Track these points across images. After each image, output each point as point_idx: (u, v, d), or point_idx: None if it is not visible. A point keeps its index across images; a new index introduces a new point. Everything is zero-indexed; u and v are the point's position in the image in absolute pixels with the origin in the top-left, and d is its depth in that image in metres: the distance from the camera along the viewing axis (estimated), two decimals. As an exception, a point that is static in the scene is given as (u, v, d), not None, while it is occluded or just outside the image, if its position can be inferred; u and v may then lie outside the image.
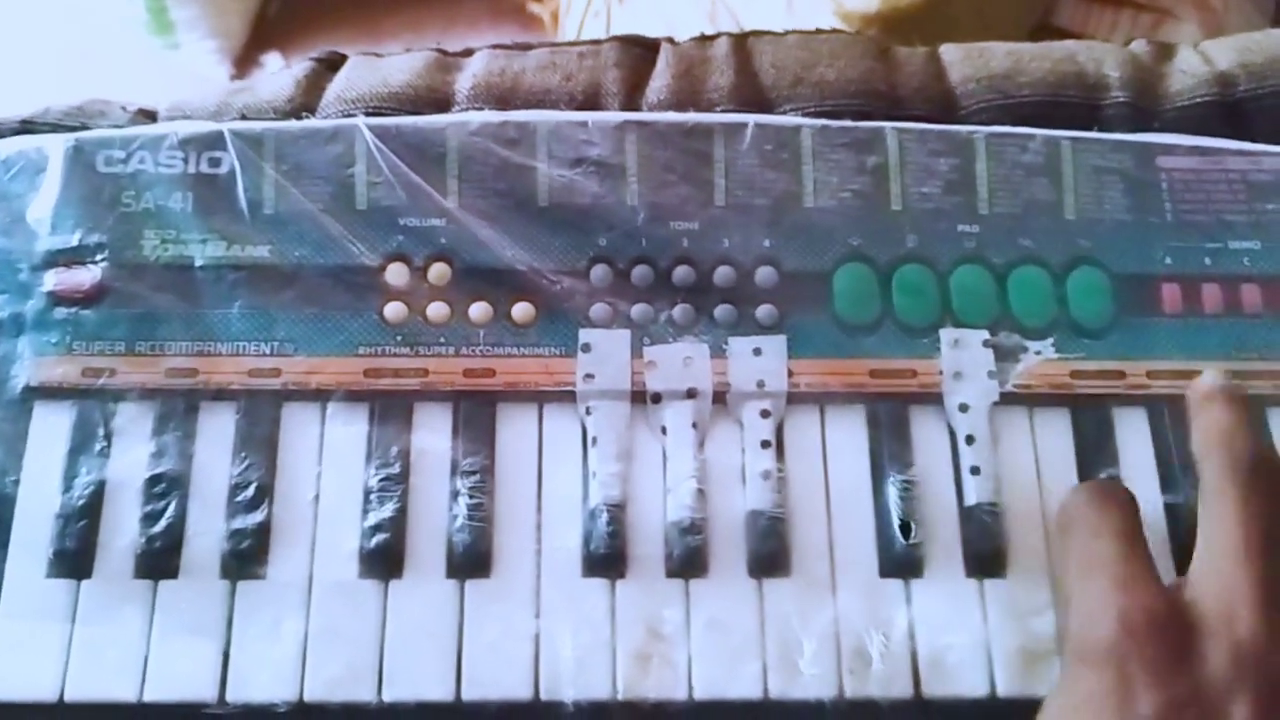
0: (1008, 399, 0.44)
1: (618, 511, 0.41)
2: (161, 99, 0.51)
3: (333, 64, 0.52)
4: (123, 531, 0.41)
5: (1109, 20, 1.03)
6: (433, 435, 0.42)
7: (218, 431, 0.42)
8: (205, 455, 0.42)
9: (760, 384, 0.43)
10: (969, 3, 0.94)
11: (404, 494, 0.41)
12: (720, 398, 0.43)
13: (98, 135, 0.45)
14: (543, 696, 0.39)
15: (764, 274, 0.44)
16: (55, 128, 0.48)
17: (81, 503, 0.41)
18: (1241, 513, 0.36)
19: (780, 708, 0.39)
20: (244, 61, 1.37)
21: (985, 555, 0.42)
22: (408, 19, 1.38)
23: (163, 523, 0.41)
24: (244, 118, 0.48)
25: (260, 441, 0.42)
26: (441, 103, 0.49)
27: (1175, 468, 0.43)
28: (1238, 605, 0.34)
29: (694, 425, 0.43)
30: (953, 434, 0.43)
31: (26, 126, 0.48)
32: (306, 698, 0.39)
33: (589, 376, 0.43)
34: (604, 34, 1.03)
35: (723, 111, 0.48)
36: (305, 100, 0.49)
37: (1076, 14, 1.04)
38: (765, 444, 0.42)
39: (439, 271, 0.44)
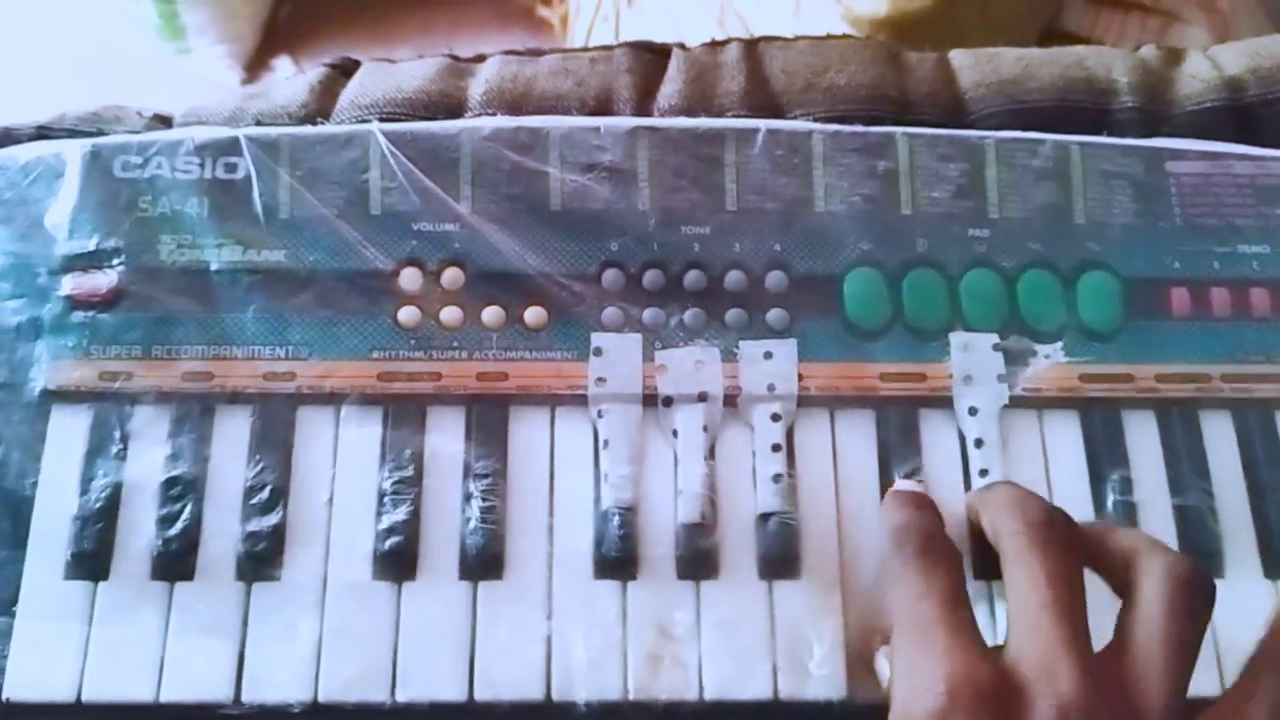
0: (1017, 402, 0.44)
1: (629, 514, 0.42)
2: (173, 103, 0.52)
3: (346, 70, 0.52)
4: (139, 533, 0.41)
5: (1117, 24, 1.03)
6: (446, 438, 0.42)
7: (233, 434, 0.42)
8: (221, 458, 0.42)
9: (771, 387, 0.43)
10: (977, 7, 0.94)
11: (417, 496, 0.42)
12: (731, 401, 0.43)
13: (115, 141, 0.45)
14: (555, 697, 0.40)
15: (775, 278, 0.45)
16: (72, 133, 0.48)
17: (99, 505, 0.41)
18: (1043, 573, 0.36)
19: (790, 708, 0.40)
20: (255, 66, 1.37)
21: (994, 557, 0.42)
22: (416, 23, 1.38)
23: (179, 525, 0.41)
24: (259, 123, 0.48)
25: (275, 444, 0.42)
26: (454, 108, 0.49)
27: (1184, 470, 0.43)
28: (1056, 663, 0.34)
29: (705, 428, 0.43)
30: (962, 437, 0.44)
31: (43, 132, 0.48)
32: (321, 698, 0.39)
33: (601, 380, 0.43)
34: (613, 38, 1.04)
35: (734, 117, 0.49)
36: (319, 106, 0.49)
37: (1084, 18, 1.04)
38: (776, 447, 0.42)
39: (452, 276, 0.44)
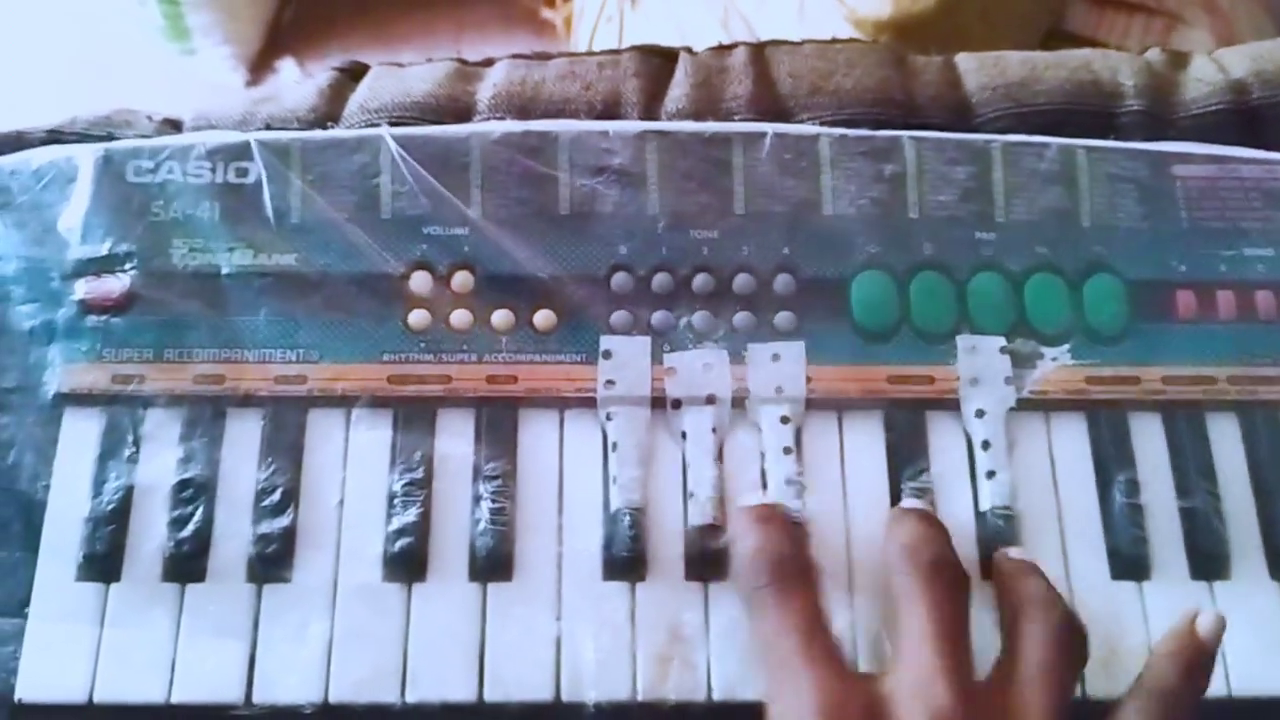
0: (1024, 405, 0.44)
1: (638, 515, 0.42)
2: (178, 104, 0.52)
3: (355, 74, 0.52)
4: (151, 535, 0.41)
5: (1120, 25, 1.03)
6: (456, 441, 0.43)
7: (244, 437, 0.42)
8: (232, 460, 0.42)
9: (779, 390, 0.44)
10: (981, 9, 0.94)
11: (427, 499, 0.42)
12: (739, 403, 0.44)
13: (127, 145, 0.45)
14: (564, 698, 0.40)
15: (782, 281, 0.45)
16: (82, 137, 0.48)
17: (111, 507, 0.41)
18: (927, 608, 0.37)
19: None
20: (259, 67, 1.37)
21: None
22: (420, 24, 1.38)
23: (190, 527, 0.41)
24: (269, 127, 0.48)
25: (286, 447, 0.42)
26: (463, 112, 0.50)
27: (1190, 473, 0.44)
28: (931, 682, 0.35)
29: (713, 430, 0.43)
30: (969, 439, 0.44)
31: (54, 136, 0.48)
32: (332, 699, 0.40)
33: (610, 383, 0.43)
34: (616, 39, 1.04)
35: (741, 120, 0.49)
36: (329, 110, 0.50)
37: (1088, 19, 1.04)
38: (787, 450, 0.43)
39: (462, 279, 0.44)
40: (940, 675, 0.36)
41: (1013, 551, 0.42)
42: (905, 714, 0.35)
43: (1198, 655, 0.39)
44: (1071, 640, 0.38)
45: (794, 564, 0.39)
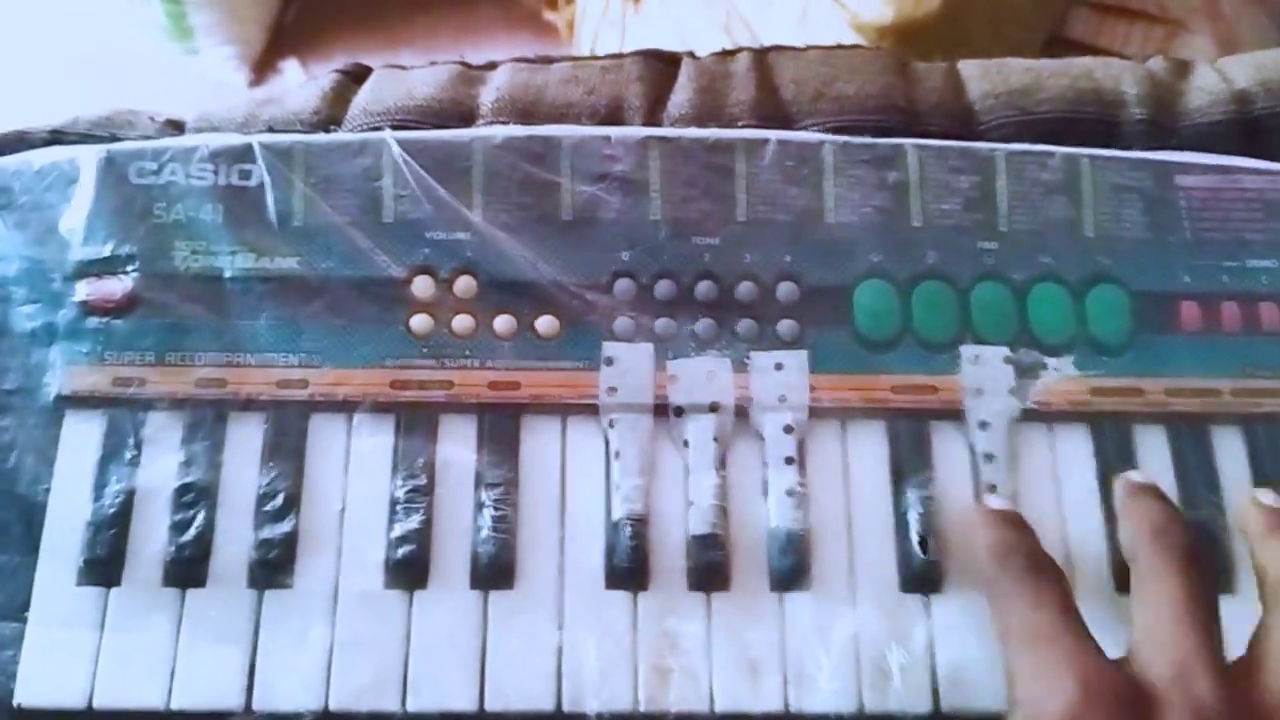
0: (1027, 416, 0.44)
1: (640, 525, 0.42)
2: (180, 104, 0.52)
3: (358, 76, 0.52)
4: (152, 540, 0.41)
5: (1122, 32, 1.03)
6: (458, 447, 0.43)
7: (246, 441, 0.42)
8: (233, 465, 0.42)
9: (782, 399, 0.43)
10: (983, 15, 0.94)
11: (429, 506, 0.42)
12: (742, 412, 0.43)
13: (130, 147, 0.45)
14: (565, 708, 0.40)
15: (785, 289, 0.45)
16: (84, 138, 0.48)
17: (111, 511, 0.41)
18: (1179, 591, 0.37)
19: (800, 721, 0.40)
20: (262, 67, 1.37)
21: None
22: (423, 26, 1.38)
23: (191, 532, 0.41)
24: (271, 129, 0.48)
25: (288, 452, 0.42)
26: (465, 115, 0.49)
27: (1195, 485, 0.43)
28: (1190, 670, 0.34)
29: (715, 439, 0.43)
30: (972, 450, 0.44)
31: (56, 136, 0.48)
32: (332, 706, 0.39)
33: (612, 390, 0.43)
34: (619, 42, 1.04)
35: (744, 126, 0.49)
36: (331, 112, 0.49)
37: (1090, 25, 1.04)
38: (790, 460, 0.43)
39: (464, 284, 0.44)
40: (1197, 659, 0.35)
41: (1263, 496, 0.42)
42: (1165, 699, 0.34)
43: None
44: None
45: (1046, 556, 0.39)
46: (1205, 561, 0.38)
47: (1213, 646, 0.35)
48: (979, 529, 0.41)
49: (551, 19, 1.30)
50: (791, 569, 0.41)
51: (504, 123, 0.48)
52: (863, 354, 0.44)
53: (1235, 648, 0.40)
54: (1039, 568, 0.39)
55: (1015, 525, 0.41)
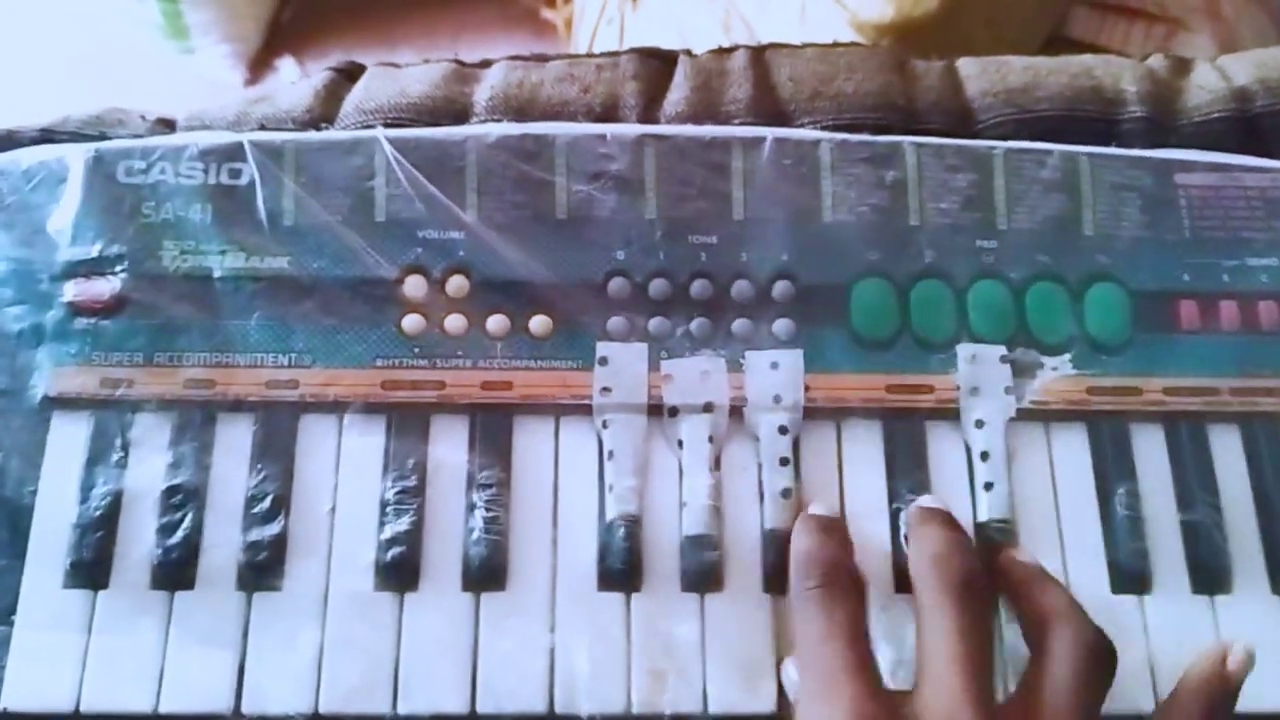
0: (1024, 415, 0.44)
1: (633, 525, 0.41)
2: (176, 103, 0.51)
3: (351, 74, 0.52)
4: (139, 542, 0.41)
5: (1122, 30, 1.02)
6: (449, 448, 0.42)
7: (235, 443, 0.42)
8: (222, 466, 0.42)
9: (777, 398, 0.43)
10: (982, 13, 0.93)
11: (420, 507, 0.41)
12: (737, 412, 0.43)
13: (118, 146, 0.45)
14: (558, 709, 0.39)
15: (781, 288, 0.44)
16: (75, 136, 0.48)
17: (98, 513, 0.41)
18: (955, 628, 0.37)
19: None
20: (258, 65, 1.37)
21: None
22: (420, 24, 1.38)
23: (179, 534, 0.41)
24: (263, 128, 0.48)
25: (277, 453, 0.42)
26: (460, 114, 0.49)
27: (1192, 485, 0.43)
28: (956, 711, 0.35)
29: (710, 439, 0.43)
30: (969, 450, 0.43)
31: (46, 135, 0.48)
32: (322, 709, 0.39)
33: (606, 390, 0.43)
34: (617, 40, 1.04)
35: (740, 124, 0.48)
36: (324, 111, 0.49)
37: (1089, 24, 1.03)
38: (784, 461, 0.42)
39: (457, 284, 0.44)
40: (967, 702, 0.35)
41: (1019, 554, 0.41)
42: None
43: (1224, 693, 0.39)
44: (1100, 658, 0.38)
45: (845, 573, 0.39)
46: (983, 591, 0.39)
47: (981, 688, 0.36)
48: (793, 536, 0.41)
49: (549, 17, 1.29)
50: (785, 570, 0.41)
51: (498, 121, 0.48)
52: (859, 353, 0.44)
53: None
54: (834, 591, 0.39)
55: (826, 534, 0.40)
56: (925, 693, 0.36)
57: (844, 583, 0.39)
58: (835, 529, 0.41)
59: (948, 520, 0.41)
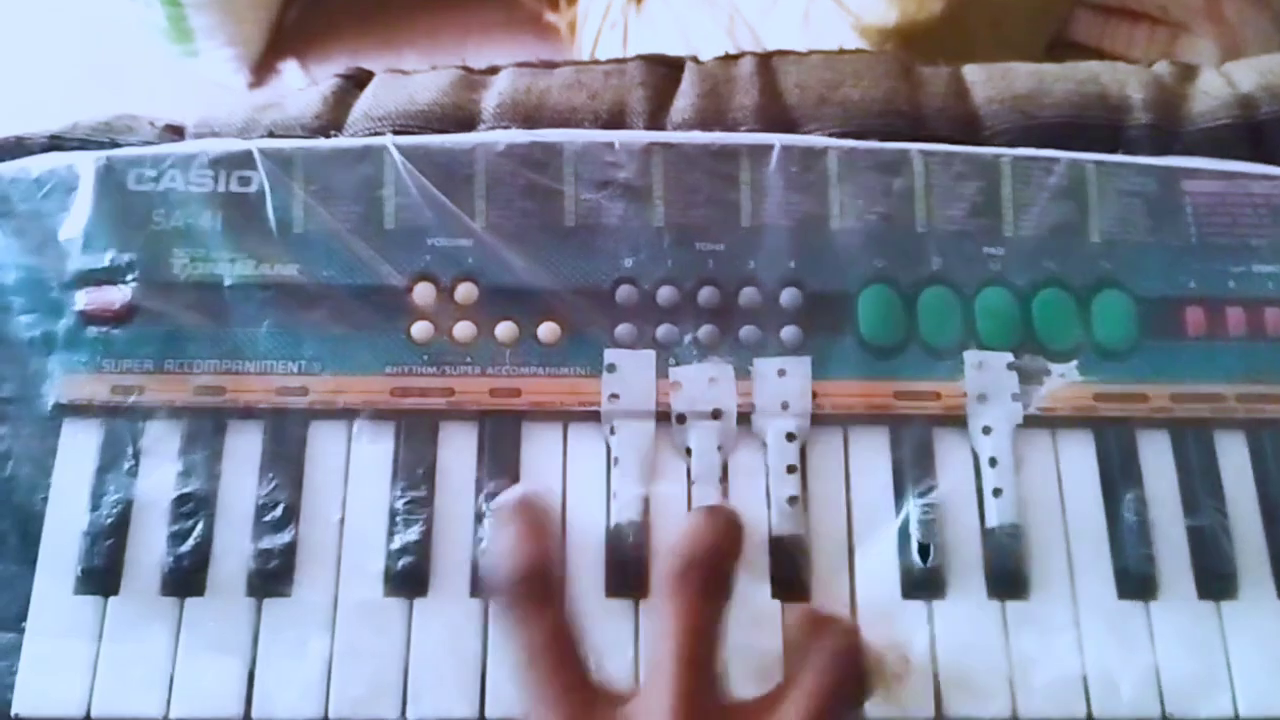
0: (1031, 421, 0.44)
1: (640, 532, 0.41)
2: (180, 106, 0.51)
3: (359, 81, 0.52)
4: (150, 549, 0.41)
5: (1125, 35, 1.02)
6: (458, 455, 0.42)
7: (245, 450, 0.42)
8: (232, 474, 0.42)
9: (785, 405, 0.43)
10: (986, 17, 0.93)
11: (429, 516, 0.41)
12: (745, 419, 0.43)
13: (129, 154, 0.45)
14: (566, 716, 0.39)
15: (789, 295, 0.44)
16: (84, 143, 0.48)
17: (109, 521, 0.41)
18: (683, 624, 0.36)
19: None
20: (262, 69, 1.37)
21: (1007, 577, 0.42)
22: (425, 28, 1.38)
23: (190, 541, 0.41)
24: (271, 134, 0.48)
25: (287, 460, 0.42)
26: (467, 121, 0.49)
27: (1198, 491, 0.43)
28: (664, 714, 0.34)
29: (718, 446, 0.43)
30: (976, 456, 0.43)
31: (55, 141, 0.48)
32: (331, 715, 0.39)
33: (614, 397, 0.43)
34: (620, 45, 1.04)
35: (747, 131, 0.49)
36: (333, 117, 0.49)
37: (1093, 28, 1.03)
38: (791, 469, 0.42)
39: (466, 291, 0.44)
40: (682, 701, 0.34)
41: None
42: None
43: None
44: (849, 670, 0.36)
45: (532, 581, 0.37)
46: (718, 592, 0.37)
47: (698, 684, 0.35)
48: (490, 539, 0.39)
49: (553, 20, 1.29)
50: (792, 576, 0.41)
51: (506, 128, 0.48)
52: (866, 360, 0.44)
53: (1238, 650, 0.39)
54: (531, 598, 0.36)
55: (524, 536, 0.38)
56: (648, 691, 0.35)
57: (532, 593, 0.36)
58: (521, 517, 0.38)
59: (713, 519, 0.39)
